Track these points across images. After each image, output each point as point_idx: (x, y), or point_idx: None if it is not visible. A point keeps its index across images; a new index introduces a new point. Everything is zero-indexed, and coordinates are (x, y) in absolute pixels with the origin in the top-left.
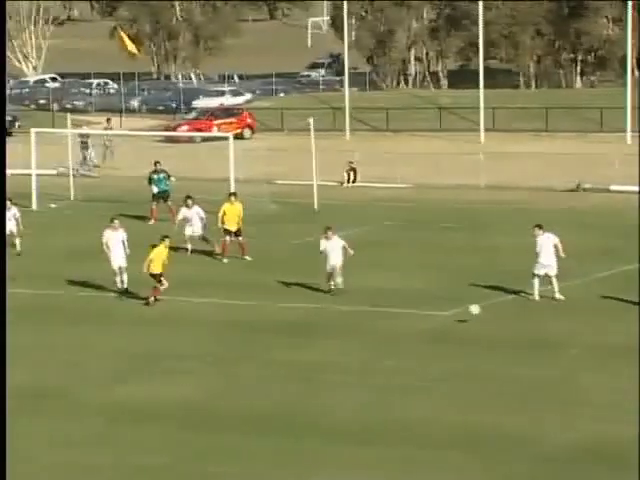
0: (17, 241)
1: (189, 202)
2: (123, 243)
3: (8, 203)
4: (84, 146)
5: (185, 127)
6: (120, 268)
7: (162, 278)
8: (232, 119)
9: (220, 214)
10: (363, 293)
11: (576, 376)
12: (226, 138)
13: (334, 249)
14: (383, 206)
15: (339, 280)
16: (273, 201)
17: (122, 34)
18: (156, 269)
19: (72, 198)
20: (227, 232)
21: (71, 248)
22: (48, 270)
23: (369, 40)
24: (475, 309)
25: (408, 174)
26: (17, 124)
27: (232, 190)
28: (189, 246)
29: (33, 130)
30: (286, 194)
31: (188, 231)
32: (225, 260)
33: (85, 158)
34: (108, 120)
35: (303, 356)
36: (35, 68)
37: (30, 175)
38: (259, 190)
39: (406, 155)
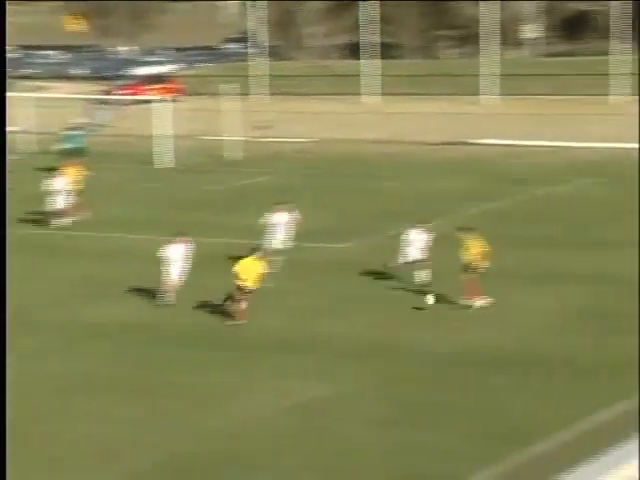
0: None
1: None
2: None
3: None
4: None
5: (124, 91)
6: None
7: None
8: (162, 85)
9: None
10: None
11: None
12: (157, 101)
13: (280, 223)
14: (291, 157)
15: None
16: (197, 154)
17: (66, 16)
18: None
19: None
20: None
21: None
22: None
23: (275, 18)
24: (431, 299)
25: (311, 130)
26: None
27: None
28: None
29: None
30: (208, 148)
31: None
32: None
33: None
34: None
35: (226, 282)
36: None
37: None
38: (185, 144)
39: (309, 115)
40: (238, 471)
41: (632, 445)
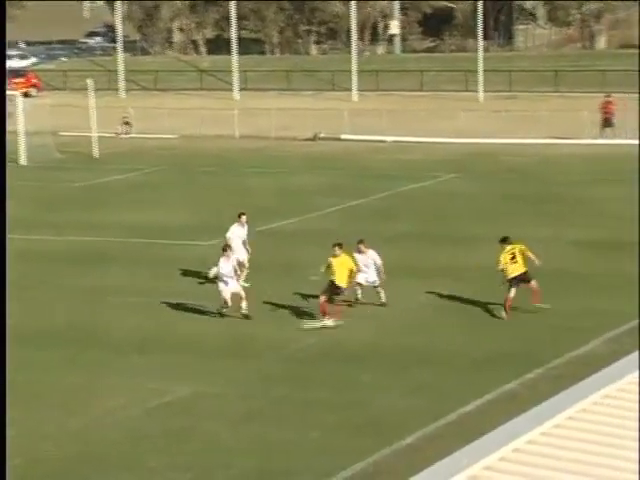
0: None
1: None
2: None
3: None
4: None
5: None
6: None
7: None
8: (20, 79)
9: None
10: (140, 227)
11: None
12: (14, 96)
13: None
14: (154, 154)
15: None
16: (58, 150)
17: None
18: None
19: None
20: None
21: None
22: None
23: (139, 12)
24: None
25: (175, 126)
26: None
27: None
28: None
29: None
30: (69, 144)
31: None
32: None
33: None
34: None
35: (91, 281)
36: None
37: None
38: (45, 141)
39: (173, 110)
40: (102, 473)
41: None
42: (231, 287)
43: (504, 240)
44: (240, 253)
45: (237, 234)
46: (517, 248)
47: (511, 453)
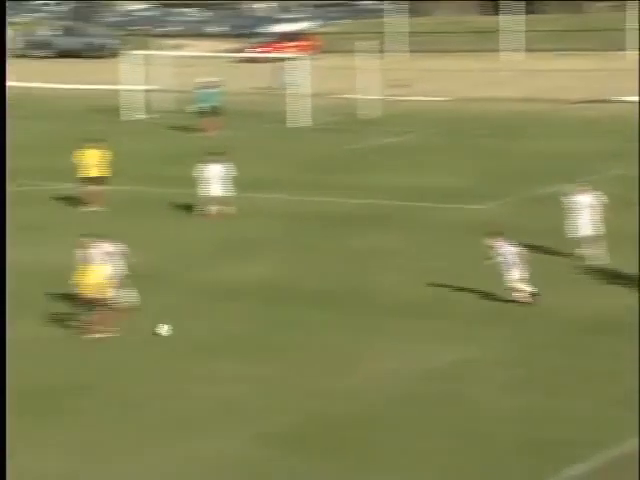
0: None
1: None
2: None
3: None
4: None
5: (261, 49)
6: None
7: None
8: (299, 42)
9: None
10: (411, 190)
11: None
12: (295, 58)
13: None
14: (427, 117)
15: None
16: (331, 112)
17: None
18: None
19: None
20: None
21: (164, 152)
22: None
23: None
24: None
25: (450, 89)
26: (114, 47)
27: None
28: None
29: (135, 52)
30: (343, 106)
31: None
32: None
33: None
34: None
35: (367, 244)
36: None
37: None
38: (321, 103)
39: (446, 72)
40: (372, 433)
41: None
42: (514, 275)
43: None
44: (586, 228)
45: (582, 204)
46: None
47: None
